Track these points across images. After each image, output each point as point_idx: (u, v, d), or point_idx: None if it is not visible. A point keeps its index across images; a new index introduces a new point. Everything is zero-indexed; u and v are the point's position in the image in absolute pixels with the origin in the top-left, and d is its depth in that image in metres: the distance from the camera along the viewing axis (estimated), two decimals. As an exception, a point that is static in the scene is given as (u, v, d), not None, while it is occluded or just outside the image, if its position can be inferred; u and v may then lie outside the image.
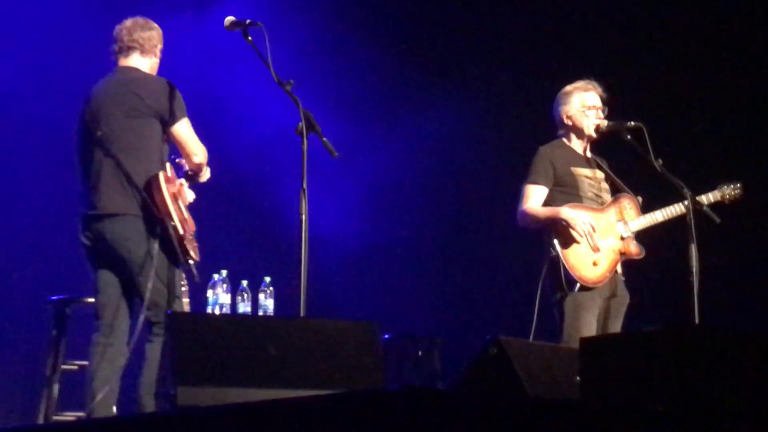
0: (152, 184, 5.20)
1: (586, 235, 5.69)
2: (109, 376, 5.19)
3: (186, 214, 5.32)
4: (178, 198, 5.29)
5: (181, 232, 5.16)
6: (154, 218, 5.15)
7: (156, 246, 5.14)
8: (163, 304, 5.15)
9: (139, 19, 5.47)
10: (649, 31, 8.25)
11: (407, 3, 8.89)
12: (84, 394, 5.26)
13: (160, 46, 5.49)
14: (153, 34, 5.45)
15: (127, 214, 5.18)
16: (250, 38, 5.10)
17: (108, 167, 5.21)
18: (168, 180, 5.25)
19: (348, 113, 8.13)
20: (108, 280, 5.26)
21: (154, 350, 5.16)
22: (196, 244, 5.29)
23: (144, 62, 5.43)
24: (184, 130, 5.33)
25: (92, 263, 5.30)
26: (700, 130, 8.02)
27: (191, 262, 5.22)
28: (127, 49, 5.41)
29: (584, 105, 5.90)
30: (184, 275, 5.34)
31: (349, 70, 8.43)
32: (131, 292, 5.27)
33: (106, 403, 5.15)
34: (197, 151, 5.36)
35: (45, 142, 7.57)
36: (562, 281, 5.67)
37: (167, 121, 5.29)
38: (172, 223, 5.14)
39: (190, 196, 5.44)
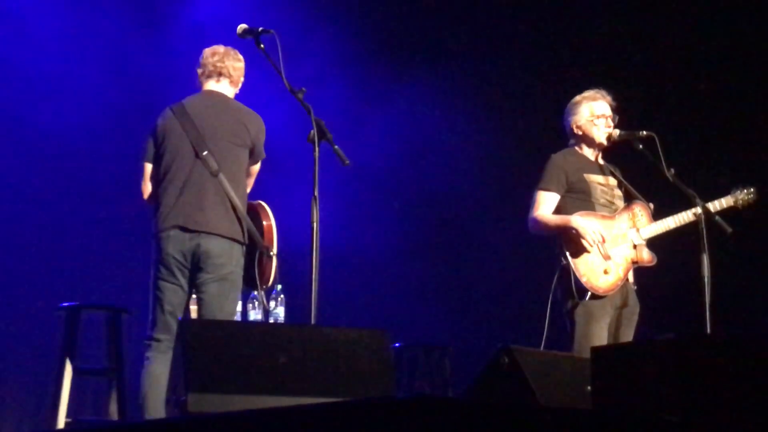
0: (260, 211, 5.47)
1: (596, 244, 5.68)
2: (165, 380, 5.32)
3: None
4: None
5: (275, 262, 5.38)
6: (256, 244, 5.38)
7: (241, 271, 5.37)
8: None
9: (230, 49, 5.63)
10: (658, 37, 8.25)
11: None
12: (142, 396, 5.32)
13: (242, 79, 5.65)
14: (242, 66, 5.64)
15: (229, 236, 5.34)
16: (262, 46, 5.13)
17: (212, 187, 5.35)
18: None
19: (346, 104, 8.08)
20: (179, 300, 5.37)
21: None
22: None
23: (231, 91, 5.62)
24: (258, 168, 5.61)
25: (169, 275, 5.35)
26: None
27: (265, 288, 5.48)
28: (218, 75, 5.57)
29: (593, 114, 5.90)
30: None
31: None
32: (188, 304, 5.43)
33: (161, 403, 5.30)
34: (251, 187, 5.60)
35: (56, 149, 7.61)
36: (573, 290, 5.66)
37: (254, 156, 5.53)
38: (273, 252, 5.39)
39: None
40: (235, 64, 5.57)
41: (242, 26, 5.19)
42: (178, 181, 5.36)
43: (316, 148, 4.94)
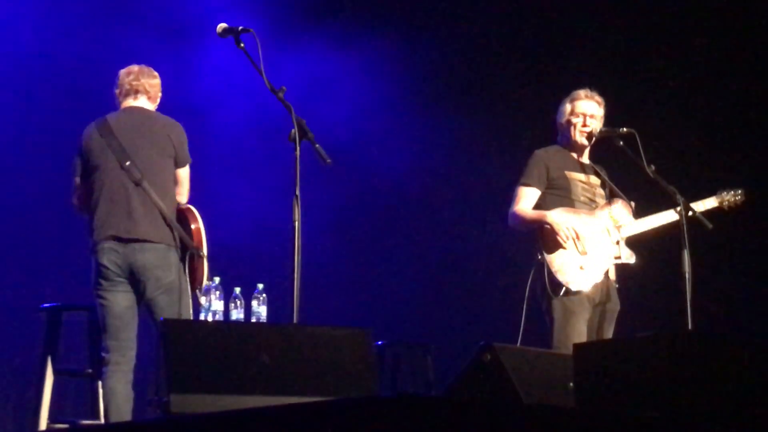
0: (188, 215, 5.63)
1: (570, 240, 5.68)
2: (126, 390, 5.47)
3: None
4: None
5: (206, 262, 5.52)
6: (187, 247, 5.54)
7: (186, 275, 5.53)
8: None
9: (144, 67, 5.79)
10: (645, 36, 8.25)
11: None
12: (103, 407, 5.54)
13: (160, 94, 5.81)
14: (158, 83, 5.79)
15: (162, 242, 5.50)
16: (242, 45, 5.12)
17: (139, 197, 5.52)
18: None
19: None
20: (127, 303, 5.52)
21: None
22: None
23: (151, 106, 5.77)
24: (186, 173, 5.72)
25: (110, 285, 5.51)
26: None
27: (199, 289, 5.62)
28: (135, 93, 5.72)
29: (572, 113, 5.92)
30: None
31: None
32: (142, 312, 5.54)
33: (125, 410, 5.45)
34: (186, 194, 5.73)
35: (33, 148, 7.57)
36: (548, 286, 5.67)
37: (178, 163, 5.68)
38: (202, 253, 5.53)
39: None
40: (150, 81, 5.73)
41: (222, 25, 5.19)
42: (107, 194, 5.54)
43: (297, 147, 4.93)
